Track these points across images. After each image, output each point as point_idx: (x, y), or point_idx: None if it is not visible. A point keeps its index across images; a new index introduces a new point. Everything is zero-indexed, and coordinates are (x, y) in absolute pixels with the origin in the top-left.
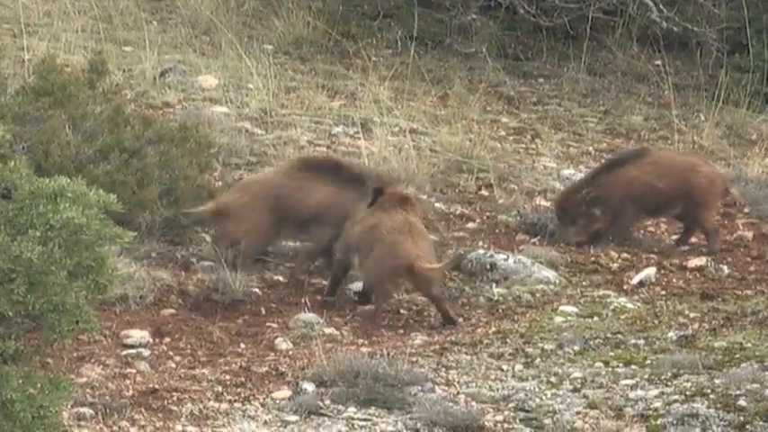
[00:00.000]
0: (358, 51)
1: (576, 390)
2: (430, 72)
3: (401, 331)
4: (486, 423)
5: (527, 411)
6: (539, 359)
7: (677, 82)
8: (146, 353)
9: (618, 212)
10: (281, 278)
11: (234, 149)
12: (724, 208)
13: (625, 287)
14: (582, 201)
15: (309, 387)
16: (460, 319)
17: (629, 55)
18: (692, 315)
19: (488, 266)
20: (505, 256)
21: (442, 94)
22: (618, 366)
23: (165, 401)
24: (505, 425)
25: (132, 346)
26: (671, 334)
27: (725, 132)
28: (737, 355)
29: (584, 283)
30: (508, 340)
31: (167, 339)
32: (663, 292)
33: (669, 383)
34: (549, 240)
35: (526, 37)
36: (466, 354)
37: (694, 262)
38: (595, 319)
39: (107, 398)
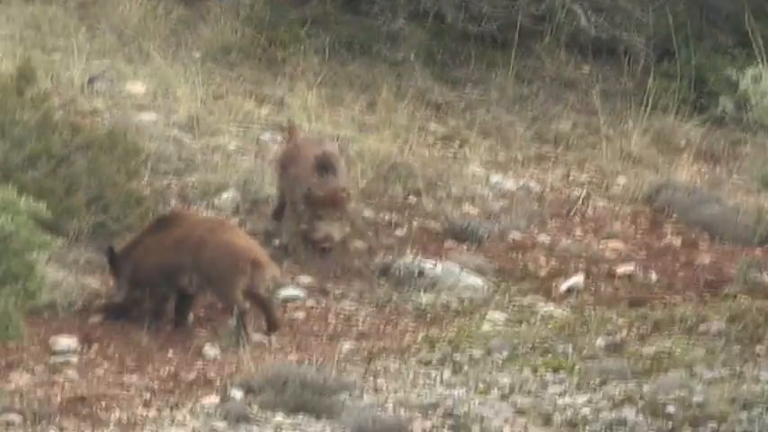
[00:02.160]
0: (286, 58)
1: (504, 397)
2: (358, 79)
3: (329, 338)
4: (414, 430)
5: (455, 418)
6: (467, 366)
7: (605, 89)
8: (74, 360)
9: None
10: None
11: (162, 156)
12: (652, 215)
13: (553, 294)
14: None
15: (238, 394)
16: (389, 327)
17: (558, 62)
18: (620, 322)
19: (416, 273)
20: (433, 263)
21: (371, 101)
22: (546, 373)
23: (94, 408)
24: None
25: (61, 353)
26: (599, 341)
27: (653, 139)
28: (666, 362)
29: (512, 290)
30: (436, 347)
31: (96, 346)
32: (591, 299)
33: (597, 390)
34: (476, 247)
35: (454, 44)
36: (394, 361)
37: (622, 268)
38: (524, 326)
39: (35, 405)
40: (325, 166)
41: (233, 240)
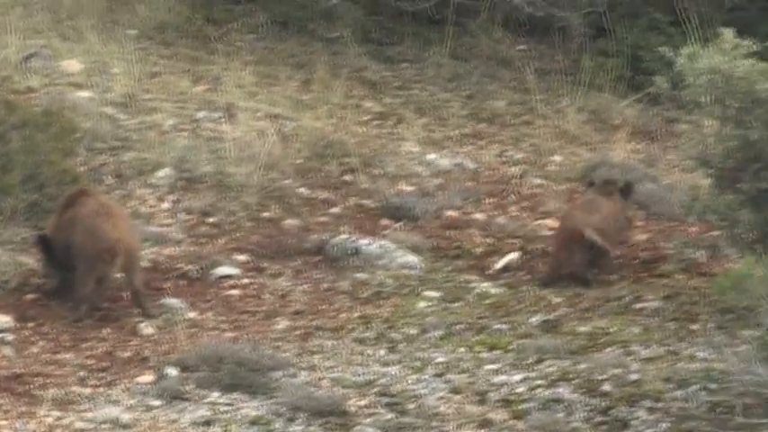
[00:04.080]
0: (222, 36)
1: (439, 375)
2: (293, 57)
3: (264, 317)
4: (349, 408)
5: (391, 396)
6: (402, 344)
7: (541, 67)
8: (9, 337)
9: None
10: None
11: (98, 134)
12: None
13: (488, 272)
14: None
15: (173, 372)
16: (324, 306)
17: (493, 40)
18: (555, 300)
19: (352, 252)
20: (368, 241)
21: (306, 79)
22: (481, 351)
23: (29, 386)
24: (369, 410)
25: None
26: (534, 319)
27: (589, 117)
28: (601, 341)
29: (447, 269)
30: (372, 325)
31: (31, 324)
32: (526, 277)
33: (533, 368)
34: (412, 225)
35: (390, 22)
36: (329, 339)
37: None
38: (459, 304)
39: None
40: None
41: (102, 226)
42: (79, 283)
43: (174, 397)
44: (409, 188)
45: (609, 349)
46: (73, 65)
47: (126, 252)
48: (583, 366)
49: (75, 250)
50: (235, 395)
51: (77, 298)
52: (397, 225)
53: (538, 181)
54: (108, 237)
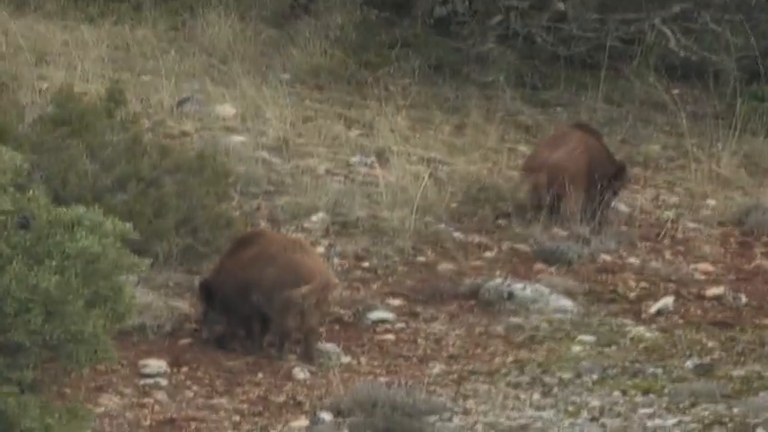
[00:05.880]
0: (375, 80)
1: (594, 419)
2: (447, 101)
3: (418, 361)
4: None
5: None
6: (556, 388)
7: (694, 111)
8: (163, 382)
9: None
10: None
11: (251, 178)
12: (742, 237)
13: (643, 316)
14: None
15: (327, 417)
16: (479, 350)
17: (647, 84)
18: (709, 344)
19: (506, 295)
20: (523, 286)
21: (460, 123)
22: (636, 395)
23: (183, 431)
24: None
25: (150, 376)
26: (689, 363)
27: (742, 161)
28: (755, 384)
29: (601, 312)
30: (526, 369)
31: (185, 369)
32: (681, 321)
33: (687, 412)
34: (566, 270)
35: (544, 66)
36: (484, 383)
37: (712, 291)
38: (613, 348)
39: (125, 427)
40: None
41: (302, 260)
42: (280, 320)
43: None
44: (563, 232)
45: (763, 393)
46: (226, 109)
47: (323, 288)
48: (737, 410)
49: (265, 287)
50: None
51: (281, 333)
52: (552, 269)
53: (692, 225)
54: (310, 270)
